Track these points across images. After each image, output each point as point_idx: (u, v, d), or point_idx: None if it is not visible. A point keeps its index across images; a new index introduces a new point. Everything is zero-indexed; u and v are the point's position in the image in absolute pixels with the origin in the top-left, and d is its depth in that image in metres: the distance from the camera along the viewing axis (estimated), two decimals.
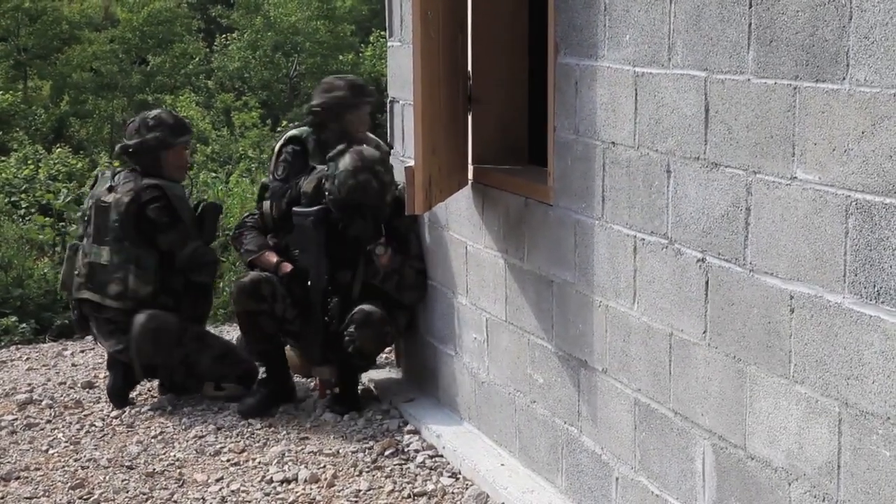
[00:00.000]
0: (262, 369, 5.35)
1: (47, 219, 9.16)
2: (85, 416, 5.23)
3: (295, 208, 5.10)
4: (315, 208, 5.05)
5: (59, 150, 13.26)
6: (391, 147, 5.45)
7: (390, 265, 5.04)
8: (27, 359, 6.23)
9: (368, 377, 5.46)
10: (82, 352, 6.25)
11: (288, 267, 5.07)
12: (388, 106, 5.47)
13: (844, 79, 2.65)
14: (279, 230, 5.20)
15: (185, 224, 5.28)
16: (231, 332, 6.15)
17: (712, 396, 3.22)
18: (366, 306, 4.99)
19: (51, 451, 4.85)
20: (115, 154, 5.55)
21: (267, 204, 5.24)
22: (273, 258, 5.13)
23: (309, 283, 5.05)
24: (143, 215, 5.23)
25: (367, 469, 4.60)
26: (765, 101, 2.92)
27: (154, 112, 5.49)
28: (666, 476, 3.47)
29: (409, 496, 4.35)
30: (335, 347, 5.06)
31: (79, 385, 5.65)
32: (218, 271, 5.57)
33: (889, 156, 2.54)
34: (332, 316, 5.07)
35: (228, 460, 4.73)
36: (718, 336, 3.17)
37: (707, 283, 3.21)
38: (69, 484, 4.50)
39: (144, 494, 4.42)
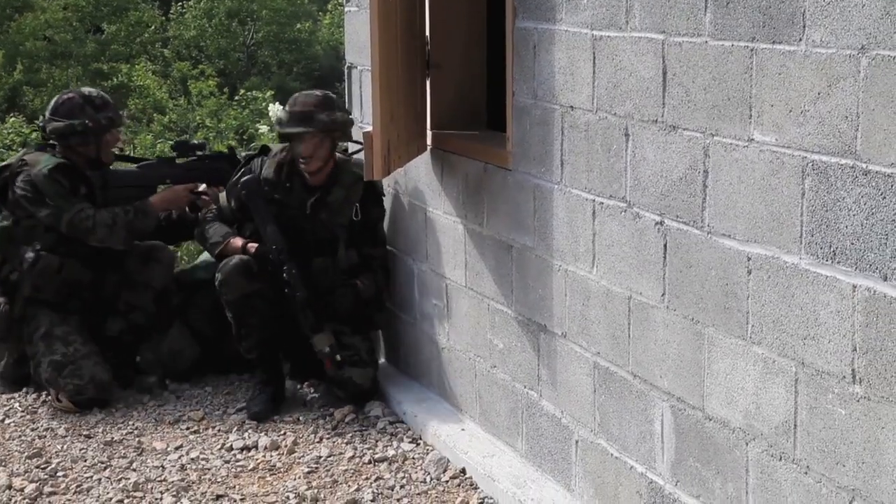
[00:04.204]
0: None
1: None
2: None
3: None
4: (244, 178, 4.86)
5: (12, 119, 13.09)
6: (349, 113, 5.41)
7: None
8: None
9: None
10: None
11: (254, 246, 4.82)
12: (346, 72, 5.44)
13: (801, 40, 2.66)
14: (240, 222, 4.97)
15: (53, 197, 4.87)
16: None
17: (671, 358, 3.24)
18: (357, 378, 4.80)
19: (7, 421, 4.81)
20: (49, 132, 5.02)
21: (223, 196, 5.00)
22: (239, 242, 4.87)
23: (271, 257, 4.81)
24: (9, 186, 4.95)
25: (327, 436, 4.60)
26: (722, 63, 2.93)
27: (90, 91, 5.14)
28: (625, 438, 3.49)
29: (369, 462, 4.36)
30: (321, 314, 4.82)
31: None
32: (129, 229, 4.93)
33: (845, 116, 2.56)
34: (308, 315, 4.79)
35: (188, 428, 4.71)
36: (677, 298, 3.19)
37: (665, 245, 3.22)
38: (26, 453, 4.47)
39: (103, 463, 4.39)
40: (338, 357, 4.75)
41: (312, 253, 4.90)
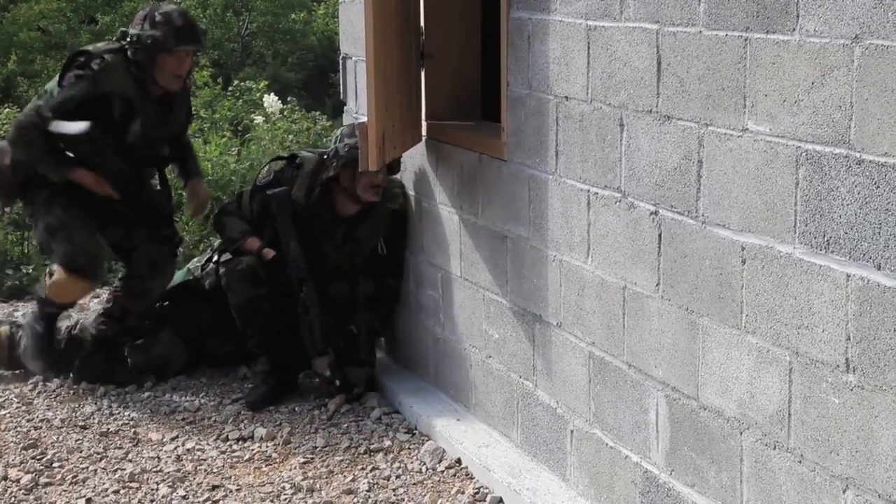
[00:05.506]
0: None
1: None
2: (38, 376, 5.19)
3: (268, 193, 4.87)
4: (277, 190, 4.81)
5: (6, 110, 13.05)
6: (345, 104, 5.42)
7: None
8: None
9: None
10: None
11: (271, 253, 4.79)
12: (341, 63, 5.43)
13: (794, 30, 2.67)
14: (258, 226, 4.90)
15: (54, 92, 4.76)
16: None
17: (665, 348, 3.24)
18: (352, 376, 4.80)
19: (2, 412, 4.81)
20: (116, 37, 4.94)
21: (246, 195, 4.95)
22: (256, 244, 4.83)
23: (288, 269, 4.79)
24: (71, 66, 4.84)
25: (323, 426, 4.60)
26: (716, 53, 2.93)
27: (170, 8, 4.84)
28: (620, 428, 3.50)
29: (365, 452, 4.36)
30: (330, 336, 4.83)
31: None
32: (30, 153, 4.77)
33: (838, 106, 2.56)
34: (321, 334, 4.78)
35: (184, 419, 4.72)
36: (671, 288, 3.20)
37: (660, 235, 3.23)
38: (22, 444, 4.47)
39: (98, 454, 4.40)
40: (337, 382, 4.77)
41: (330, 277, 4.88)
